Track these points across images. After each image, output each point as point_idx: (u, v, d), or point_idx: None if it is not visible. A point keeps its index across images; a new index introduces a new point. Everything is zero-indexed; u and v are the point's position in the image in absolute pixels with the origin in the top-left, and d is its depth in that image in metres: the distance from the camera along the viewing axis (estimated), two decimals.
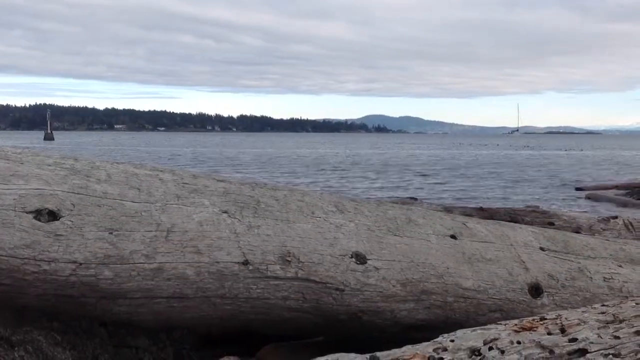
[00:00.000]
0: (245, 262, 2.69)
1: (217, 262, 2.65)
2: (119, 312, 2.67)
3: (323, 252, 2.84)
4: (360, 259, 2.89)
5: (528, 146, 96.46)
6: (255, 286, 2.71)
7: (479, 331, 2.31)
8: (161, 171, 2.88)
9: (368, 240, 2.97)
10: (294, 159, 46.86)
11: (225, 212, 2.77)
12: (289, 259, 2.76)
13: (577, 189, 22.72)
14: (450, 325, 2.87)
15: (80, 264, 2.47)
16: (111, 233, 2.52)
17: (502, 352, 2.16)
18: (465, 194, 20.94)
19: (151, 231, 2.58)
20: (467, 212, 5.12)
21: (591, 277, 3.30)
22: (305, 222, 2.90)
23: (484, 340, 2.22)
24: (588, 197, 19.13)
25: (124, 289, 2.56)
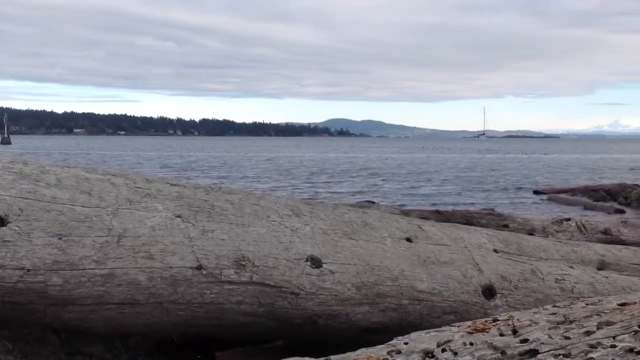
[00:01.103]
0: (199, 267, 2.66)
1: (170, 267, 2.62)
2: (69, 319, 2.62)
3: (278, 256, 2.83)
4: (315, 262, 2.89)
5: (490, 150, 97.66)
6: (209, 291, 2.69)
7: (432, 333, 2.32)
8: (113, 175, 2.84)
9: (324, 243, 2.97)
10: (261, 162, 46.69)
11: (179, 216, 2.74)
12: (243, 263, 2.74)
13: (535, 192, 23.13)
14: (405, 327, 2.88)
15: (28, 270, 2.42)
16: (60, 238, 2.47)
17: (455, 353, 2.18)
18: (424, 197, 21.15)
19: (102, 236, 2.54)
20: (424, 215, 5.17)
21: (543, 279, 3.35)
22: (260, 226, 2.89)
23: (437, 343, 2.23)
24: (549, 199, 19.46)
25: (73, 296, 2.52)
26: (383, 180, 29.62)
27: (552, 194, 20.82)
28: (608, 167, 42.08)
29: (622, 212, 14.64)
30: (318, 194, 21.65)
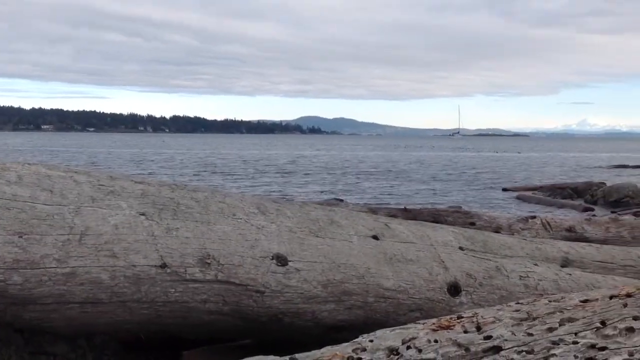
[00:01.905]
0: (163, 266, 2.64)
1: (134, 266, 2.60)
2: (30, 319, 2.58)
3: (244, 254, 2.81)
4: (281, 260, 2.88)
5: (464, 148, 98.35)
6: (174, 290, 2.67)
7: (397, 331, 2.33)
8: (76, 172, 2.80)
9: (290, 241, 2.96)
10: (235, 160, 46.41)
11: (143, 214, 2.72)
12: (208, 261, 2.72)
13: (504, 189, 23.39)
14: (371, 325, 2.88)
15: None
16: (21, 237, 2.44)
17: (420, 351, 2.19)
18: (394, 195, 21.23)
19: (64, 234, 2.51)
20: (392, 213, 5.18)
21: (508, 276, 3.38)
22: (226, 224, 2.87)
23: (402, 340, 2.24)
24: (518, 198, 19.67)
25: (34, 295, 2.48)
26: (357, 178, 29.67)
27: (521, 192, 21.06)
28: (579, 166, 42.68)
29: (591, 209, 14.84)
30: (291, 193, 21.61)
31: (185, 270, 2.68)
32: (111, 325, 2.72)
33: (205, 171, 33.29)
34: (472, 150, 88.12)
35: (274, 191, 21.86)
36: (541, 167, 42.04)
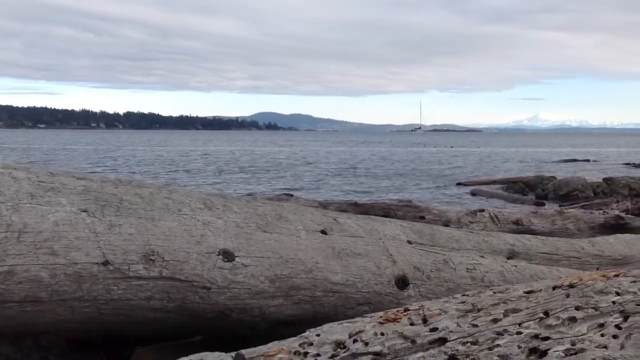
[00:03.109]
0: (106, 263, 2.59)
1: (75, 264, 2.54)
2: None
3: (189, 250, 2.78)
4: (228, 256, 2.86)
5: (422, 143, 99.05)
6: (117, 287, 2.62)
7: (345, 324, 2.33)
8: (14, 169, 2.73)
9: (236, 237, 2.94)
10: (195, 157, 45.75)
11: (85, 211, 2.66)
12: (152, 258, 2.68)
13: (458, 184, 23.69)
14: (319, 319, 2.88)
15: None
16: None
17: (366, 344, 2.19)
18: (349, 190, 21.27)
19: (1, 232, 2.44)
20: (343, 208, 5.19)
21: (455, 268, 3.41)
22: (171, 220, 2.83)
23: (349, 333, 2.24)
24: (472, 193, 19.92)
25: None
26: (323, 174, 29.57)
27: (475, 187, 21.34)
28: (537, 160, 43.36)
29: (541, 204, 15.13)
30: (251, 189, 21.43)
31: (129, 267, 2.63)
32: (52, 325, 2.65)
33: (177, 170, 32.54)
34: (429, 145, 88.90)
35: (238, 190, 21.61)
36: (502, 162, 42.62)
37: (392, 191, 21.29)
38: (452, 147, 79.09)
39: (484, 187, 20.93)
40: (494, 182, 22.50)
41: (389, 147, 79.27)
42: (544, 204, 15.20)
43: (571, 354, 2.10)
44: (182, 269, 2.74)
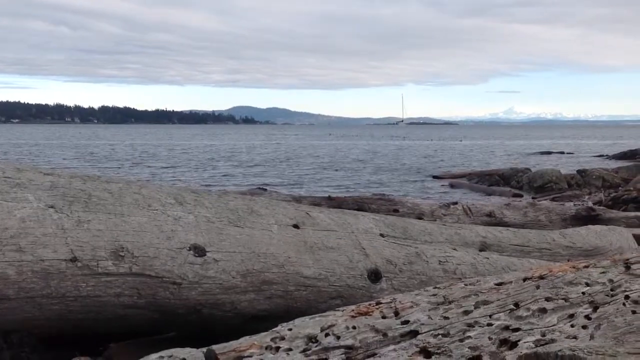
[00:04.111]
0: (74, 259, 2.56)
1: (42, 260, 2.50)
2: None
3: (159, 246, 2.75)
4: (199, 251, 2.84)
5: (397, 136, 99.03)
6: (85, 284, 2.59)
7: (317, 318, 2.33)
8: None
9: (208, 232, 2.92)
10: (178, 152, 45.13)
11: (52, 207, 2.63)
12: (122, 254, 2.65)
13: (434, 177, 23.78)
14: (292, 314, 2.87)
15: None
16: None
17: (338, 337, 2.19)
18: (323, 184, 21.23)
19: None
20: (316, 202, 5.18)
21: (427, 261, 3.42)
22: (141, 215, 2.80)
23: (321, 327, 2.24)
24: (451, 185, 19.99)
25: None
26: (304, 169, 29.41)
27: (453, 179, 21.44)
28: (519, 153, 43.52)
29: (519, 195, 15.24)
30: (237, 184, 21.22)
31: (98, 264, 2.60)
32: (20, 322, 2.62)
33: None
34: (408, 138, 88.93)
35: (219, 185, 21.40)
36: (479, 154, 42.75)
37: (370, 184, 21.30)
38: (431, 140, 79.12)
39: (460, 180, 21.02)
40: (470, 174, 22.61)
41: (370, 140, 79.13)
42: (522, 196, 15.32)
43: (541, 345, 2.11)
44: (152, 264, 2.71)
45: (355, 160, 36.26)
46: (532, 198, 12.20)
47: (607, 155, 36.32)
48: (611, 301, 2.30)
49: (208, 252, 2.86)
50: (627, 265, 2.48)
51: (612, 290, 2.36)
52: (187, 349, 2.23)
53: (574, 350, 1.73)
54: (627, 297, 2.31)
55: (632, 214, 6.25)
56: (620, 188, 13.98)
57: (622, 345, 1.98)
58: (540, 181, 17.39)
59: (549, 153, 41.30)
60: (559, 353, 1.76)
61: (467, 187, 19.01)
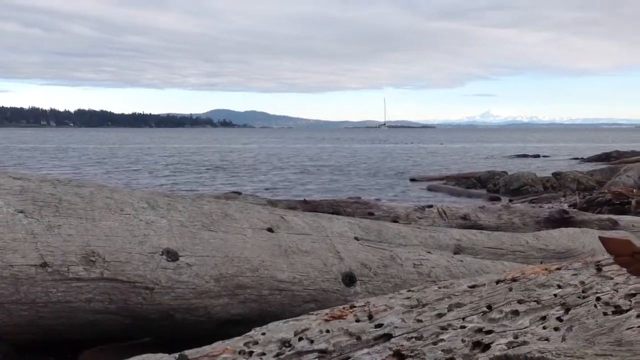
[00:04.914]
0: (44, 265, 2.53)
1: (11, 266, 2.47)
2: None
3: (131, 251, 2.73)
4: (171, 255, 2.82)
5: (379, 140, 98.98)
6: (56, 289, 2.56)
7: (291, 322, 2.32)
8: None
9: (181, 236, 2.90)
10: (164, 157, 44.51)
11: (22, 211, 2.60)
12: (93, 259, 2.63)
13: (412, 180, 23.85)
14: (266, 318, 2.86)
15: None
16: None
17: (312, 341, 2.19)
18: (301, 187, 21.17)
19: None
20: (292, 205, 5.17)
21: (402, 264, 3.43)
22: (112, 220, 2.78)
23: (294, 332, 2.23)
24: (429, 189, 20.03)
25: None
26: (285, 173, 29.24)
27: (432, 182, 21.50)
28: (489, 155, 43.70)
29: (497, 199, 15.32)
30: (218, 189, 21.02)
31: (68, 269, 2.58)
32: None
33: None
34: (382, 142, 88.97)
35: (197, 189, 21.18)
36: (457, 157, 42.85)
37: (347, 188, 21.27)
38: (412, 143, 79.21)
39: (438, 183, 21.09)
40: (447, 177, 22.71)
41: (351, 143, 78.94)
42: (499, 199, 15.41)
43: (513, 347, 2.12)
44: (124, 269, 2.69)
45: (334, 164, 36.23)
46: (509, 201, 12.29)
47: (582, 158, 36.69)
48: (583, 303, 2.32)
49: (181, 256, 2.84)
50: (599, 267, 2.50)
51: (583, 292, 2.38)
52: (159, 354, 2.21)
53: (542, 352, 1.75)
54: (598, 298, 2.33)
55: (605, 216, 6.32)
56: (595, 191, 14.13)
57: (591, 347, 2.00)
58: (517, 184, 17.53)
59: (525, 156, 41.62)
60: (529, 355, 1.77)
61: (444, 190, 19.07)
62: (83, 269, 2.61)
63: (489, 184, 19.09)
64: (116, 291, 2.68)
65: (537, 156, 41.41)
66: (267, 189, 20.44)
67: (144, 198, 3.02)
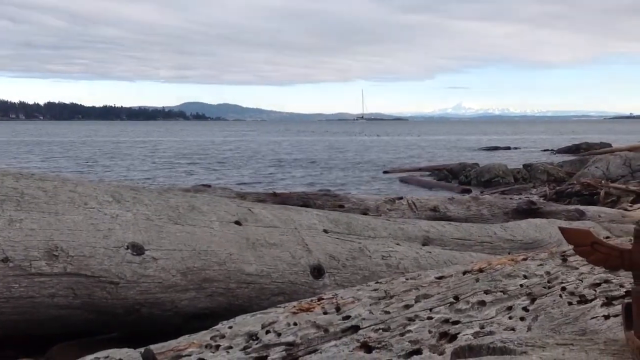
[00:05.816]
0: (5, 260, 2.49)
1: None
2: None
3: (96, 245, 2.69)
4: (137, 249, 2.78)
5: (355, 132, 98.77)
6: (17, 285, 2.52)
7: (258, 315, 2.31)
8: None
9: (147, 230, 2.86)
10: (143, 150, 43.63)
11: None
12: (56, 253, 2.59)
13: (385, 172, 23.91)
14: (234, 311, 2.84)
15: None
16: None
17: (279, 334, 2.18)
18: (272, 180, 21.08)
19: None
20: (261, 198, 5.15)
21: (370, 256, 3.43)
22: (76, 214, 2.74)
23: (262, 325, 2.23)
24: (401, 180, 20.08)
25: None
26: (260, 167, 29.00)
27: (404, 174, 21.58)
28: (461, 147, 43.86)
29: (468, 190, 15.41)
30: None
31: (30, 264, 2.54)
32: None
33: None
34: (362, 134, 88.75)
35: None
36: (430, 149, 42.94)
37: (320, 180, 21.24)
38: (388, 135, 79.11)
39: (410, 175, 21.18)
40: (420, 169, 22.82)
41: (328, 136, 78.64)
42: (470, 191, 15.50)
43: (480, 337, 2.13)
44: (88, 264, 2.65)
45: (309, 157, 36.12)
46: (480, 192, 12.38)
47: (552, 149, 37.07)
48: (548, 293, 2.34)
49: (147, 250, 2.81)
50: (564, 258, 2.52)
51: (549, 282, 2.39)
52: (125, 349, 2.19)
53: (505, 342, 1.75)
54: (563, 288, 2.35)
55: (572, 207, 6.40)
56: (564, 182, 14.30)
57: (553, 336, 2.01)
58: (488, 176, 17.68)
59: (497, 148, 41.92)
60: (491, 345, 1.77)
61: (416, 182, 19.14)
62: (46, 263, 2.57)
63: (460, 176, 19.23)
64: (80, 286, 2.64)
65: (508, 148, 41.76)
66: (244, 183, 20.31)
67: (109, 191, 2.98)
